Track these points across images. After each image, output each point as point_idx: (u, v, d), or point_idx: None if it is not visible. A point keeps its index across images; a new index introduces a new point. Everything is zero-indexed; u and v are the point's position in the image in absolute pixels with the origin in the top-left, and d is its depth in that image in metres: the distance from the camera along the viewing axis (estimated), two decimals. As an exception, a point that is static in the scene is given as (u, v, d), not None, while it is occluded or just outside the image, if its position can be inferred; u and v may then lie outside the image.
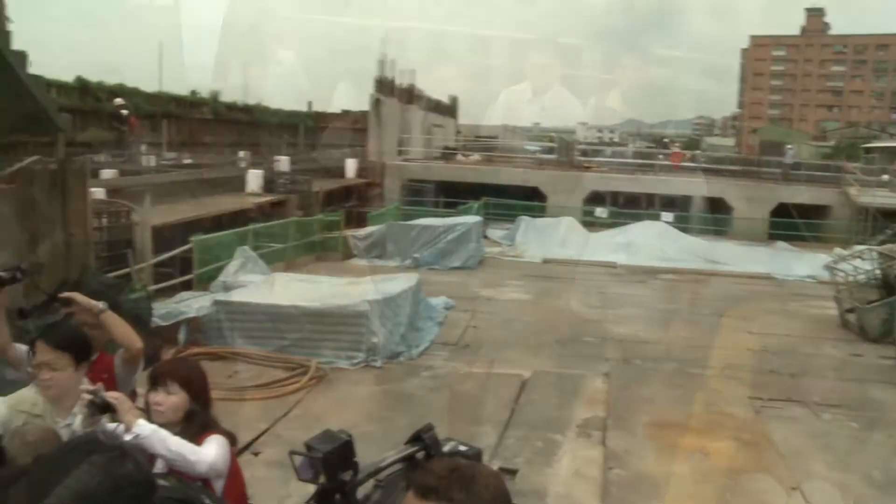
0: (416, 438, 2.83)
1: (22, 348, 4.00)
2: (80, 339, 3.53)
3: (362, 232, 19.15)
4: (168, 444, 3.03)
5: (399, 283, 12.03)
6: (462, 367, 10.29)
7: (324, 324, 10.18)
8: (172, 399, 3.31)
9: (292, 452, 2.58)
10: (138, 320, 7.89)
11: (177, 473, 2.99)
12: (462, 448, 2.84)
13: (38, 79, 9.43)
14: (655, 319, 13.59)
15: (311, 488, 2.72)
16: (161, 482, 2.22)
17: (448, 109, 42.86)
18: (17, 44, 9.00)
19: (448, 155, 34.33)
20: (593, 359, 10.88)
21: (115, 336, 3.86)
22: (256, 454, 7.26)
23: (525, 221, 22.88)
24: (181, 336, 10.23)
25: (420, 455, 2.79)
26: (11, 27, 9.11)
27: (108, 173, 16.66)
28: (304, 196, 20.08)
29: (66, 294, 3.93)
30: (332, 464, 2.55)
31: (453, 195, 27.03)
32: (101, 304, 3.90)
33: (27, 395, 3.49)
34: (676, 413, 8.72)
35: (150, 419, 3.15)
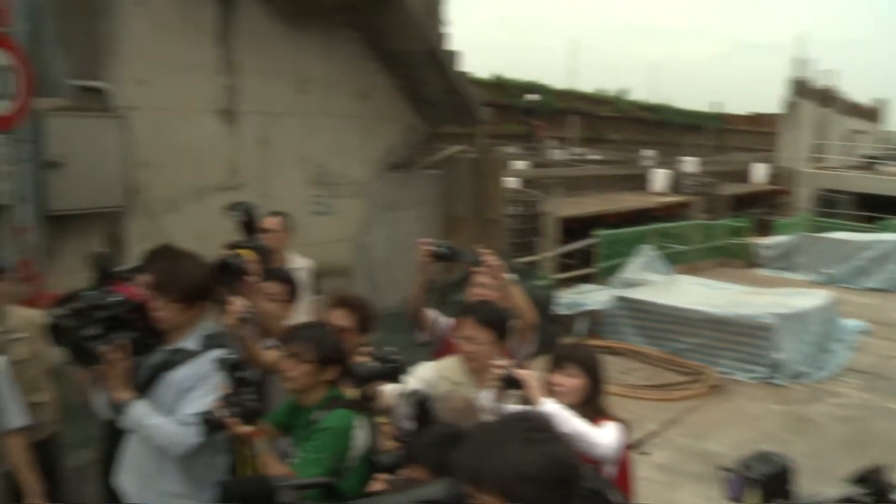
0: (861, 479, 2.52)
1: (432, 315, 4.33)
2: (503, 319, 3.71)
3: (769, 241, 18.08)
4: (572, 423, 3.05)
5: (808, 298, 11.13)
6: (876, 399, 9.21)
7: (724, 332, 9.74)
8: (573, 381, 3.37)
9: (722, 468, 2.42)
10: (540, 306, 8.14)
11: None
12: (919, 502, 2.47)
13: (464, 75, 10.14)
14: None
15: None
16: None
17: (871, 114, 38.94)
18: (450, 44, 9.83)
19: (869, 164, 31.18)
20: None
21: (513, 305, 4.01)
22: (645, 454, 7.14)
23: (960, 244, 19.95)
24: (579, 327, 10.42)
25: (868, 500, 2.48)
26: (448, 30, 9.91)
27: (519, 164, 17.49)
28: (710, 199, 19.46)
29: (485, 250, 4.18)
30: (770, 488, 2.35)
31: (872, 209, 24.51)
32: (511, 276, 4.15)
33: (451, 364, 3.72)
34: None
35: None
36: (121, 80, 6.80)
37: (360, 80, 9.03)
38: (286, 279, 4.20)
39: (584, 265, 13.12)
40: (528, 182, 14.43)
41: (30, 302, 4.66)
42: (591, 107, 30.76)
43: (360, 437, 3.09)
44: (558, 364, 3.44)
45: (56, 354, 3.74)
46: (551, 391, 3.32)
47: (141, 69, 6.92)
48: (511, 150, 19.35)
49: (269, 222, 5.16)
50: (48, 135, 6.04)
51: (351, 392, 3.20)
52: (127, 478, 3.24)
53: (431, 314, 4.43)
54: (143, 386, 3.07)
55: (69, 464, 4.71)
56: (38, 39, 5.52)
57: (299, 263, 5.25)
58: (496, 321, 3.64)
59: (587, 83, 31.29)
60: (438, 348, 4.33)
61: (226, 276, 3.56)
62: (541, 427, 1.85)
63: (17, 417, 3.50)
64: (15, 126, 5.50)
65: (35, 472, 3.57)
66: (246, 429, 2.86)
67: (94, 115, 6.55)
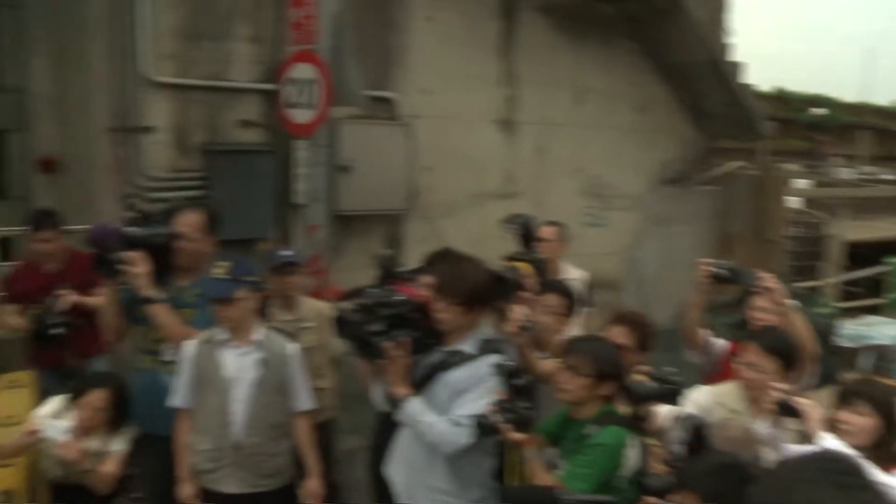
0: None
1: (706, 336, 4.15)
2: (791, 347, 3.48)
3: None
4: None
5: None
6: None
7: None
8: (863, 420, 3.06)
9: None
10: (821, 336, 7.57)
11: None
12: None
13: (747, 88, 9.70)
14: None
15: None
16: None
17: None
18: (733, 55, 9.46)
19: None
20: None
21: (794, 333, 3.74)
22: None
23: None
24: (864, 362, 9.59)
25: None
26: (731, 40, 9.55)
27: (801, 183, 16.47)
28: None
29: (765, 273, 3.97)
30: None
31: None
32: (793, 302, 3.92)
33: (729, 390, 3.55)
34: None
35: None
36: (408, 90, 7.17)
37: (638, 92, 8.91)
38: (566, 293, 4.15)
39: (871, 294, 12.07)
40: (812, 202, 13.51)
41: (317, 294, 5.00)
42: (886, 121, 28.24)
43: (631, 456, 3.01)
44: (846, 400, 3.15)
45: (339, 345, 3.96)
46: (835, 428, 3.05)
47: (426, 80, 7.26)
48: (793, 167, 18.25)
49: (546, 232, 5.13)
50: (341, 141, 6.48)
51: (624, 409, 3.13)
52: (396, 469, 3.37)
53: (705, 335, 4.26)
54: (420, 383, 3.16)
55: (342, 447, 5.00)
56: (339, 54, 5.93)
57: (574, 274, 5.18)
58: (783, 349, 3.41)
59: (882, 95, 28.64)
60: (711, 371, 4.16)
61: (502, 288, 3.60)
62: (852, 471, 1.67)
63: (306, 400, 3.74)
64: (314, 132, 5.95)
65: (317, 452, 3.81)
66: (518, 436, 2.87)
67: (382, 123, 6.95)
